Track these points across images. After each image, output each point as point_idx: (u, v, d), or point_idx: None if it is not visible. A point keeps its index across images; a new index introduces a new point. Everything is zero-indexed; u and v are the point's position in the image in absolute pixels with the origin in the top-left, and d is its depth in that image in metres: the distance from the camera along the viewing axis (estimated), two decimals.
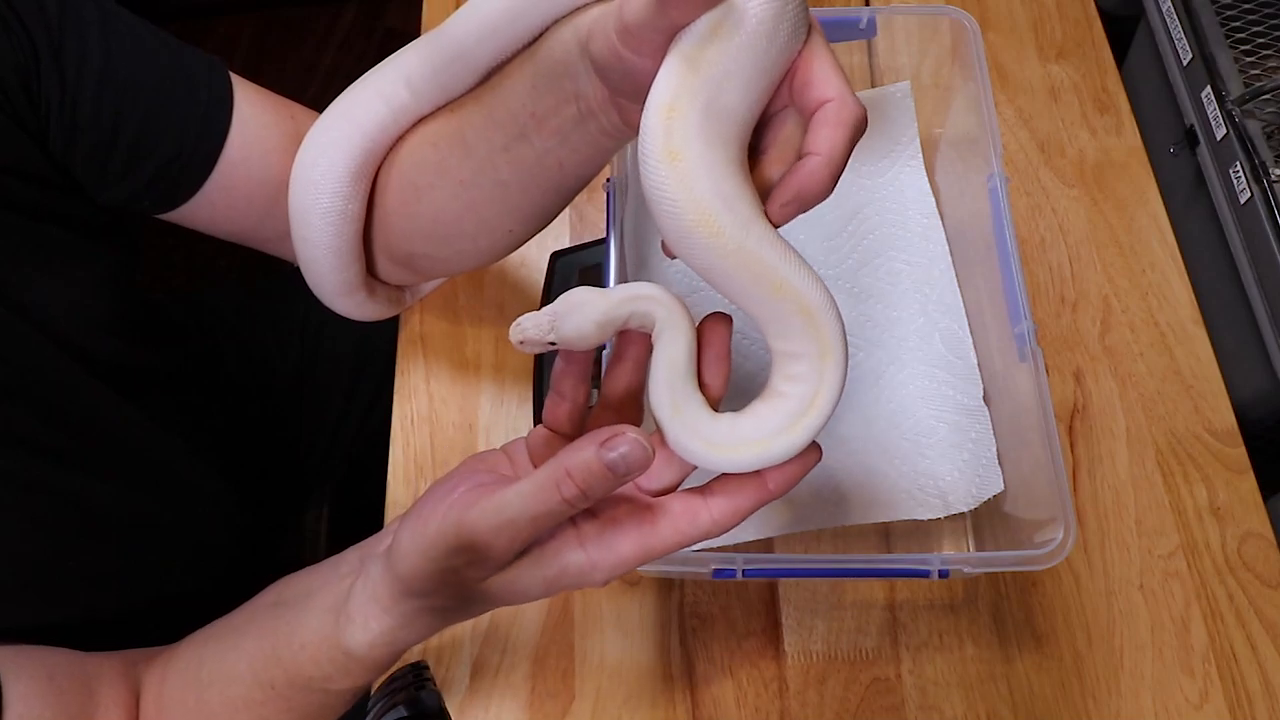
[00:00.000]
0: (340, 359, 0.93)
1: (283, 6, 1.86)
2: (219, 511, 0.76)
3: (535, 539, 0.43)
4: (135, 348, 0.69)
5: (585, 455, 0.39)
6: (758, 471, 0.43)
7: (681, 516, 0.44)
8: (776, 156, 0.41)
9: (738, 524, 0.44)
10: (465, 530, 0.42)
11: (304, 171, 0.57)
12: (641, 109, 0.39)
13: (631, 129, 0.46)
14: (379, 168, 0.58)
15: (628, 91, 0.42)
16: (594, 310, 0.42)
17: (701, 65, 0.39)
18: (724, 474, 0.44)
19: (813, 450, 0.43)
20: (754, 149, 0.42)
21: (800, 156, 0.39)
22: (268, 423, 0.90)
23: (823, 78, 0.39)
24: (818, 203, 0.40)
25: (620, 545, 0.43)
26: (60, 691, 0.53)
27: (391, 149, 0.57)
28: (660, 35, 0.39)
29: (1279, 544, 0.71)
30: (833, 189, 0.40)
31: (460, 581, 0.44)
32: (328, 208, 0.57)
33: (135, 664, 0.57)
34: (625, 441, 0.39)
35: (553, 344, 0.43)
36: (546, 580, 0.44)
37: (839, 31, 0.74)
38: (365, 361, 0.93)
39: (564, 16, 0.46)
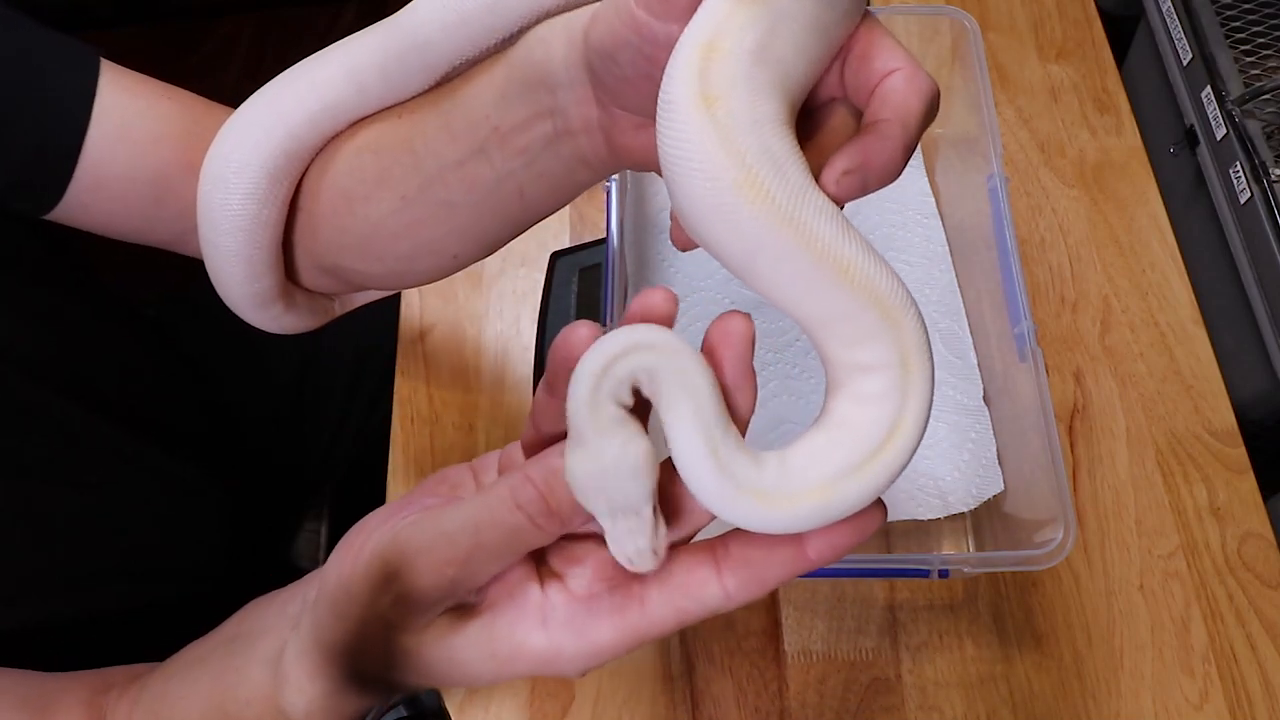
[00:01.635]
0: (340, 359, 0.93)
1: (283, 6, 1.85)
2: (217, 514, 0.76)
3: (477, 575, 0.33)
4: (105, 358, 0.68)
5: (552, 459, 0.32)
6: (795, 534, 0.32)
7: (683, 588, 0.33)
8: (826, 142, 0.34)
9: (758, 598, 0.34)
10: (394, 552, 0.33)
11: (214, 167, 0.49)
12: (637, 125, 0.34)
13: (617, 159, 0.39)
14: (308, 168, 0.50)
15: (636, 90, 0.35)
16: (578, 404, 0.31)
17: (753, 2, 0.31)
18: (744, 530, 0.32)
19: (876, 509, 0.31)
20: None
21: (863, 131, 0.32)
22: (267, 423, 0.90)
23: (887, 50, 0.33)
24: (884, 182, 0.32)
25: (595, 630, 0.34)
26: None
27: (327, 147, 0.49)
28: None
29: (1279, 544, 0.71)
30: (903, 167, 0.32)
31: (385, 631, 0.35)
32: (238, 211, 0.49)
33: (105, 691, 0.49)
34: None
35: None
36: (497, 659, 0.34)
37: None
38: (365, 361, 0.93)
39: (553, 12, 0.39)
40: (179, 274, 0.56)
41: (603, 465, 0.30)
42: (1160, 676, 0.67)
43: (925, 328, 0.32)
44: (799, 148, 0.32)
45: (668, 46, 0.32)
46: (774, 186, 0.30)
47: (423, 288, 0.81)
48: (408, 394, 0.77)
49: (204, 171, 0.49)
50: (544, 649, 0.34)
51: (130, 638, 0.60)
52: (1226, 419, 0.76)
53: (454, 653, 0.35)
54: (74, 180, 0.53)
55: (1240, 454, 0.74)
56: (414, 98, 0.46)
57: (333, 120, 0.47)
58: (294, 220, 0.51)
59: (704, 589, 0.33)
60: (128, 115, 0.53)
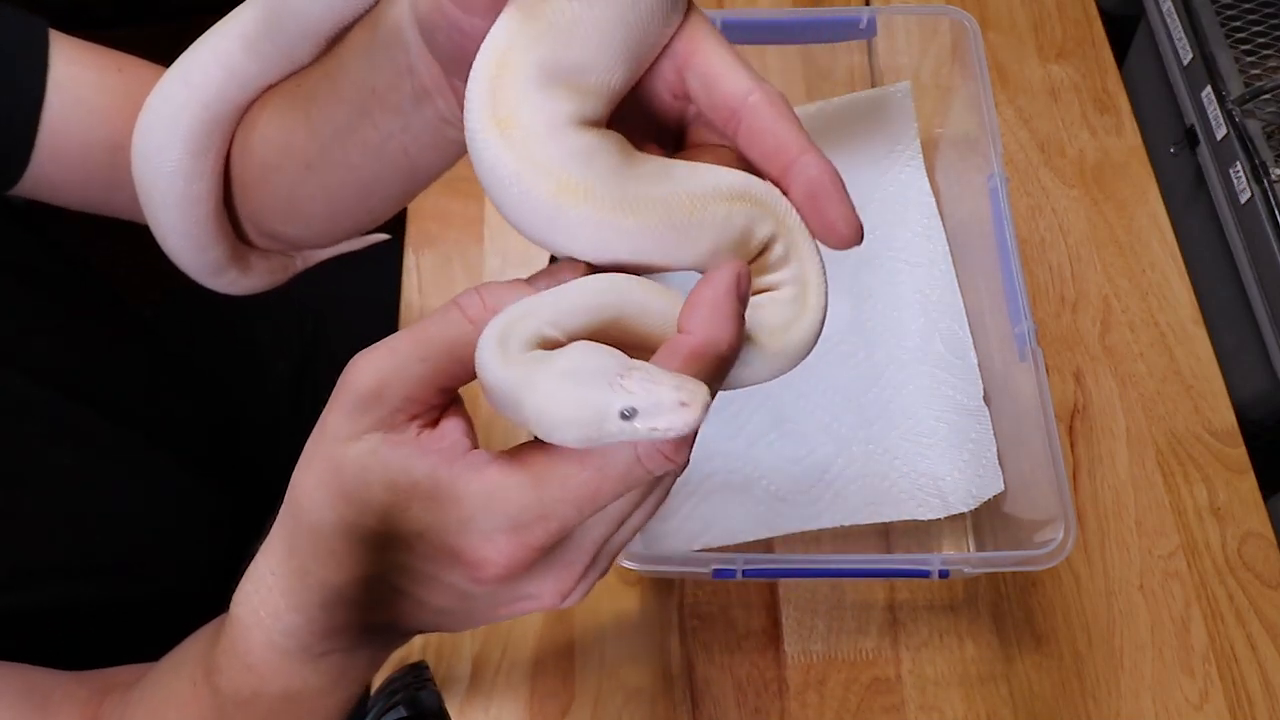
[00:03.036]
0: (339, 357, 0.93)
1: None
2: (214, 511, 0.76)
3: (422, 389, 0.31)
4: (102, 359, 0.68)
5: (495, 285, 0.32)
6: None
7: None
8: (697, 158, 0.34)
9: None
10: (351, 382, 0.31)
11: (139, 144, 0.50)
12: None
13: None
14: (233, 139, 0.50)
15: (460, 67, 0.34)
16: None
17: (542, 13, 0.31)
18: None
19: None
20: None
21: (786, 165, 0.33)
22: (265, 422, 0.90)
23: (725, 68, 0.33)
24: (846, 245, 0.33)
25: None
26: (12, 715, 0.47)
27: (245, 118, 0.50)
28: None
29: (1279, 544, 0.71)
30: (837, 181, 0.33)
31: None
32: (166, 189, 0.50)
33: (107, 692, 0.47)
34: None
35: None
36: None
37: (839, 31, 0.74)
38: None
39: None
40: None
41: (560, 367, 0.28)
42: (1160, 676, 0.67)
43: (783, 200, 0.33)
44: (613, 134, 0.32)
45: (475, 38, 0.32)
46: (589, 182, 0.30)
47: (423, 288, 0.81)
48: None
49: (133, 150, 0.50)
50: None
51: (129, 638, 0.60)
52: (1226, 419, 0.76)
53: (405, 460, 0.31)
54: (35, 151, 0.54)
55: (1240, 454, 0.74)
56: (308, 67, 0.46)
57: (240, 89, 0.48)
58: (230, 189, 0.52)
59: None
60: (80, 87, 0.54)
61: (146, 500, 0.70)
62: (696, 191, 0.32)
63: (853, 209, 0.33)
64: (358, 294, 0.86)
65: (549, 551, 0.31)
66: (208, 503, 0.76)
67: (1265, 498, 0.73)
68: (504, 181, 0.30)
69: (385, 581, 0.32)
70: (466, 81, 0.32)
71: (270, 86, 0.48)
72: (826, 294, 0.35)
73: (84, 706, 0.47)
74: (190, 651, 0.39)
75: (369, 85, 0.41)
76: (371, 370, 0.30)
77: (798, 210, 0.34)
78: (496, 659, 0.68)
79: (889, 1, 0.92)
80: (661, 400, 0.27)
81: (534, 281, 0.32)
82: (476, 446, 0.32)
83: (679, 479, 0.34)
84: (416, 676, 0.50)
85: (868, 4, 0.92)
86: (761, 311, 0.34)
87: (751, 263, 0.34)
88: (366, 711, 0.47)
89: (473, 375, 0.31)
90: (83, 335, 0.69)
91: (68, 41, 0.55)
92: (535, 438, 0.30)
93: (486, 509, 0.30)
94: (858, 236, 0.33)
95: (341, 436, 0.31)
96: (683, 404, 0.27)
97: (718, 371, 0.29)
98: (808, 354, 0.34)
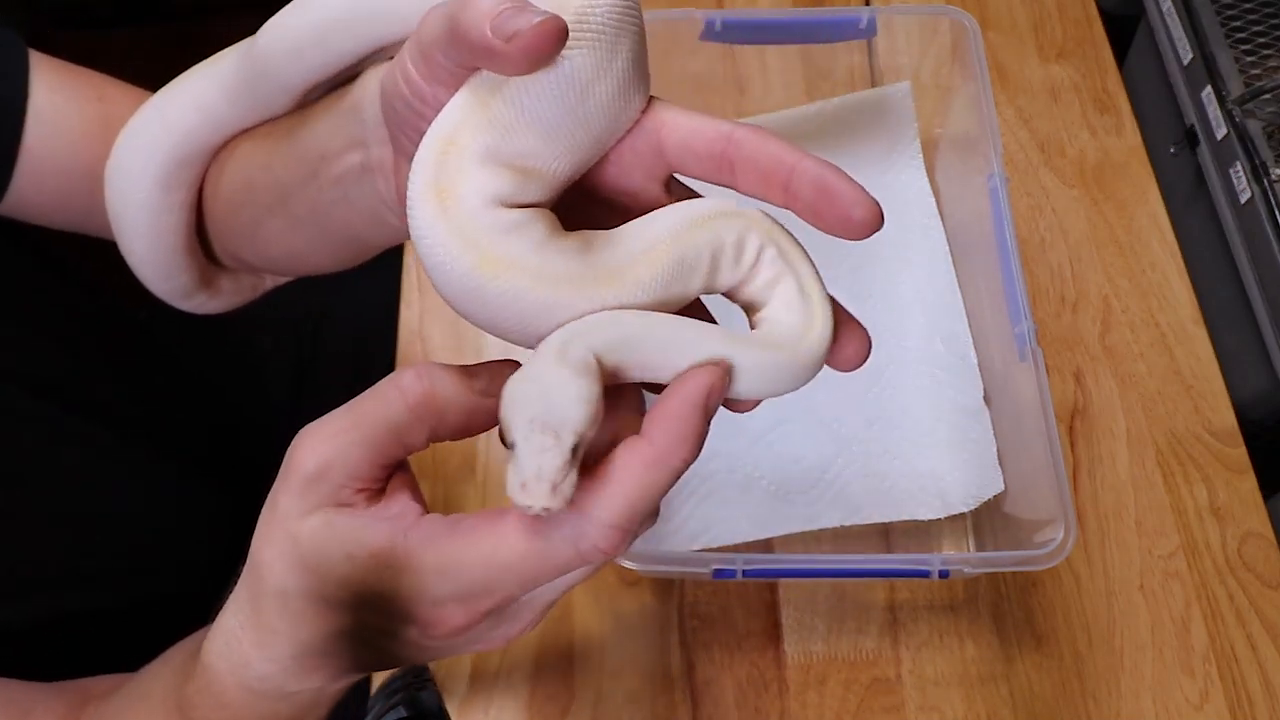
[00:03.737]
0: (340, 359, 0.93)
1: (282, 6, 1.85)
2: (213, 514, 0.76)
3: (357, 464, 0.33)
4: (98, 361, 0.68)
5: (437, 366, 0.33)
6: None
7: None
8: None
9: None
10: (294, 457, 0.33)
11: (112, 177, 0.52)
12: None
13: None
14: (207, 172, 0.52)
15: (409, 144, 0.35)
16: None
17: (494, 102, 0.32)
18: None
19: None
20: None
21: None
22: (264, 425, 0.90)
23: (699, 123, 0.34)
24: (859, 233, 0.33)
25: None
26: None
27: (221, 153, 0.51)
28: (453, 63, 0.33)
29: (1279, 544, 0.71)
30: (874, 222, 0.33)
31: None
32: (136, 220, 0.51)
33: (84, 704, 0.47)
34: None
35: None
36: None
37: (839, 31, 0.74)
38: (365, 361, 0.93)
39: (379, 48, 0.41)
40: None
41: (545, 384, 0.30)
42: (1160, 676, 0.67)
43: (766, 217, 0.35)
44: (546, 213, 0.33)
45: (432, 109, 0.34)
46: (512, 256, 0.31)
47: (423, 287, 0.81)
48: None
49: (105, 180, 0.52)
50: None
51: (128, 639, 0.60)
52: (1227, 419, 0.76)
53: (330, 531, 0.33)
54: (16, 175, 0.55)
55: (1240, 454, 0.74)
56: (282, 116, 0.47)
57: (214, 131, 0.49)
58: (203, 218, 0.53)
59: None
60: (60, 116, 0.55)
61: (146, 501, 0.70)
62: (624, 251, 0.33)
63: (864, 191, 0.33)
64: (357, 293, 0.86)
65: (498, 612, 0.34)
66: (207, 503, 0.76)
67: (1265, 498, 0.73)
68: (432, 250, 0.31)
69: (349, 635, 0.34)
70: (411, 163, 0.33)
71: (247, 129, 0.49)
72: (826, 295, 0.35)
73: (62, 718, 0.47)
74: (158, 685, 0.40)
75: (321, 150, 0.42)
76: (314, 455, 0.32)
77: (810, 212, 0.34)
78: (496, 659, 0.68)
79: (889, 1, 0.92)
80: (544, 469, 0.29)
81: (474, 373, 0.34)
82: (426, 510, 0.33)
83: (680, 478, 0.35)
84: (416, 676, 0.50)
85: (868, 4, 0.92)
86: (772, 326, 0.35)
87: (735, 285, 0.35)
88: (366, 711, 0.47)
89: (415, 449, 0.33)
90: (76, 339, 0.69)
91: (48, 65, 0.56)
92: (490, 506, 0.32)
93: (439, 579, 0.32)
94: (878, 219, 0.33)
95: (293, 514, 0.33)
96: (552, 486, 0.28)
97: (670, 481, 0.31)
98: (823, 363, 0.35)
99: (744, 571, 0.58)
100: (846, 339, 0.35)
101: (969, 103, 0.73)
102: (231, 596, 0.35)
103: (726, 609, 0.69)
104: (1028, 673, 0.68)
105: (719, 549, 0.67)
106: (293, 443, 0.33)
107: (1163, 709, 0.66)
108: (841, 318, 0.35)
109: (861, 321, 0.37)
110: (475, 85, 0.33)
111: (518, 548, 0.31)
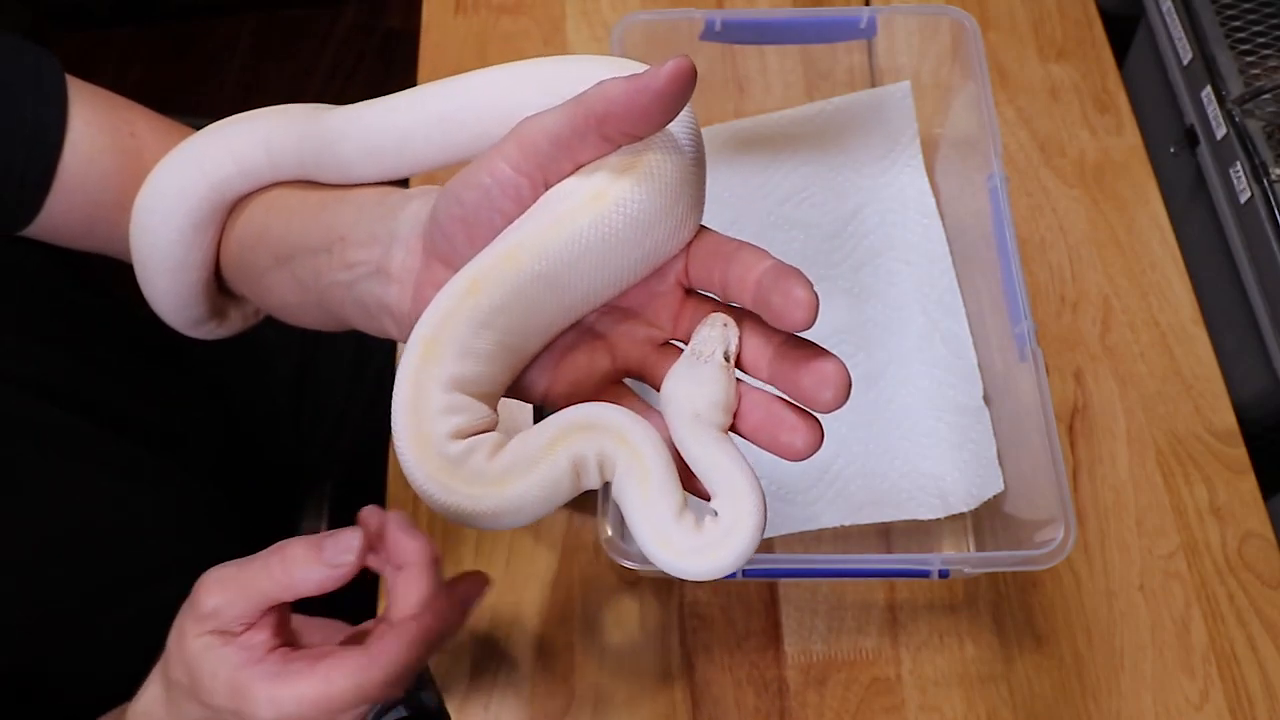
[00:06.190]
0: (340, 358, 0.93)
1: (283, 6, 1.86)
2: (214, 513, 0.76)
3: (235, 608, 0.41)
4: (98, 361, 0.68)
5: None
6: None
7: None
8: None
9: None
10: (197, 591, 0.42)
11: (140, 216, 0.54)
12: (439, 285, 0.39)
13: (415, 319, 0.41)
14: (233, 209, 0.54)
15: (454, 233, 0.40)
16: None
17: (486, 284, 0.38)
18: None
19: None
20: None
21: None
22: (266, 423, 0.90)
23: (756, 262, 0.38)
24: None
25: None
26: None
27: (247, 197, 0.53)
28: (561, 147, 0.37)
29: (1279, 544, 0.71)
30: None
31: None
32: (162, 258, 0.53)
33: None
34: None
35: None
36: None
37: (839, 31, 0.74)
38: (365, 361, 0.93)
39: (459, 164, 0.43)
40: None
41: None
42: (1160, 676, 0.67)
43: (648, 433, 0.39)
44: (488, 439, 0.39)
45: (516, 196, 0.38)
46: (462, 487, 0.38)
47: None
48: None
49: (133, 218, 0.54)
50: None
51: (129, 638, 0.60)
52: (1227, 419, 0.76)
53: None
54: (49, 201, 0.56)
55: (1240, 454, 0.74)
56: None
57: (247, 184, 0.52)
58: (224, 247, 0.55)
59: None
60: (94, 150, 0.56)
61: (155, 507, 0.70)
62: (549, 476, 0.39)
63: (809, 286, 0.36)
64: None
65: None
66: (213, 506, 0.76)
67: (1265, 498, 0.73)
68: (415, 483, 0.39)
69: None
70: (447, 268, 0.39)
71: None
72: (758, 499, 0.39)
73: None
74: None
75: (343, 232, 0.44)
76: (210, 598, 0.41)
77: (759, 300, 0.37)
78: (496, 659, 0.68)
79: (889, 1, 0.92)
80: None
81: (323, 546, 0.41)
82: (282, 643, 0.42)
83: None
84: (417, 677, 0.50)
85: (868, 4, 0.92)
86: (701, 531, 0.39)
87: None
88: (366, 712, 0.47)
89: (291, 598, 0.41)
90: (80, 343, 0.69)
91: (85, 94, 0.57)
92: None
93: (269, 704, 0.41)
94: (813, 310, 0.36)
95: (190, 634, 0.42)
96: None
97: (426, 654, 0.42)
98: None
99: (744, 571, 0.58)
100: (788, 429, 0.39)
101: (969, 103, 0.73)
102: (152, 673, 0.45)
103: (726, 609, 0.69)
104: (1028, 673, 0.68)
105: None
106: (199, 580, 0.42)
107: (1163, 709, 0.66)
108: (776, 409, 0.39)
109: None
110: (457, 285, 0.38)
111: (332, 693, 0.40)
